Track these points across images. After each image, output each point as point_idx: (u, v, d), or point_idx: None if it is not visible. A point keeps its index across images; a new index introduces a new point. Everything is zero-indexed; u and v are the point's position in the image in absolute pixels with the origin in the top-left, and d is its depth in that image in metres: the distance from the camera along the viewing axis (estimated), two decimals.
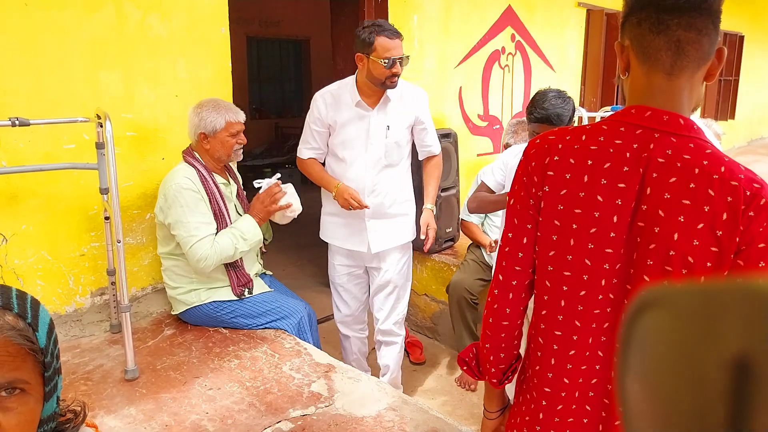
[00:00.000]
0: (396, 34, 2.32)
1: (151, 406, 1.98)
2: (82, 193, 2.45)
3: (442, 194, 3.46)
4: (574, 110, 2.33)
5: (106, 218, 2.45)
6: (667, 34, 0.88)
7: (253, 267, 2.55)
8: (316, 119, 2.48)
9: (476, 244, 3.26)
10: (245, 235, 2.37)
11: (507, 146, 3.13)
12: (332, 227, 2.62)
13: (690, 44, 0.87)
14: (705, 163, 0.87)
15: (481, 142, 4.41)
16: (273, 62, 8.96)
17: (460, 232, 3.75)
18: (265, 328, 2.48)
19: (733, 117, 8.34)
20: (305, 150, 2.58)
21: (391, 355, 2.75)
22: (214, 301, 2.43)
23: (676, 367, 0.25)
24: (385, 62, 2.28)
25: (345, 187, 2.44)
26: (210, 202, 2.33)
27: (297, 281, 3.97)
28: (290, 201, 2.50)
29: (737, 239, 0.85)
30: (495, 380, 1.16)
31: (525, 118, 2.65)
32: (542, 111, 2.23)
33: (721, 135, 2.86)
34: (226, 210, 2.39)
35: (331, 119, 2.45)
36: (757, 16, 8.71)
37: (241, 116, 2.40)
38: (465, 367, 1.22)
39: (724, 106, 8.19)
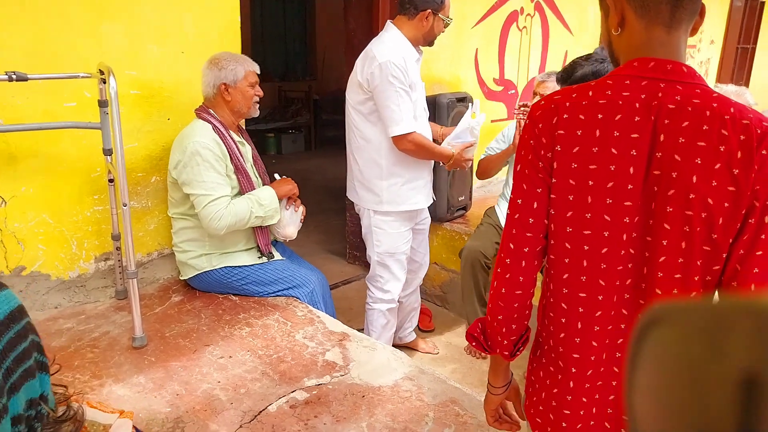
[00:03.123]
0: None
1: (161, 375, 1.92)
2: (84, 154, 2.35)
3: None
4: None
5: (110, 181, 2.35)
6: None
7: None
8: (403, 82, 2.34)
9: (492, 209, 3.19)
10: (262, 201, 2.29)
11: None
12: (412, 194, 2.56)
13: None
14: (714, 105, 0.87)
15: (496, 108, 4.28)
16: (277, 23, 8.72)
17: (472, 201, 3.66)
18: (277, 296, 2.41)
19: (747, 85, 8.14)
20: (410, 122, 2.38)
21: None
22: (225, 267, 2.35)
23: (684, 384, 0.26)
24: (448, 20, 2.46)
25: (459, 151, 2.54)
26: (231, 158, 2.24)
27: (303, 249, 3.89)
28: (289, 228, 2.46)
29: (753, 176, 0.86)
30: (507, 352, 1.13)
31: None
32: (580, 70, 2.15)
33: (754, 105, 2.75)
34: (246, 168, 2.31)
35: (407, 81, 2.37)
36: None
37: (257, 67, 2.34)
38: (474, 342, 1.19)
39: (740, 73, 7.98)
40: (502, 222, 3.05)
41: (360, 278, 3.78)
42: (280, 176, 2.48)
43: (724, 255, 0.90)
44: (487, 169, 3.02)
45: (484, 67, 4.08)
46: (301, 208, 2.54)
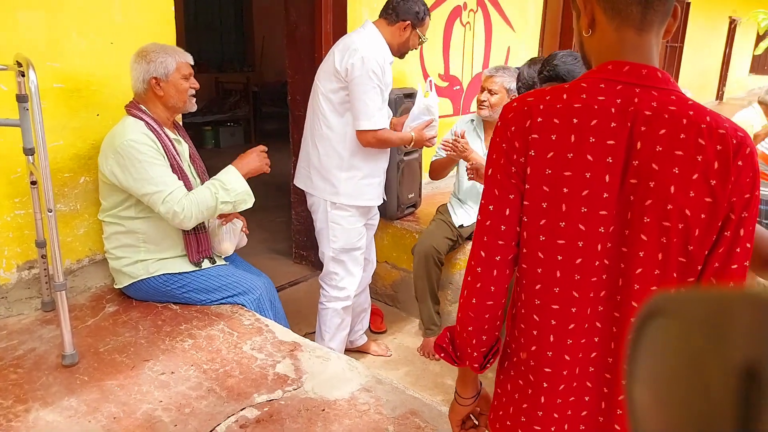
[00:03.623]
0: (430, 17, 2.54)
1: (96, 396, 1.75)
2: (2, 153, 2.13)
3: (405, 158, 3.29)
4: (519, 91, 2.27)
5: (33, 183, 2.14)
6: None
7: None
8: (380, 80, 2.32)
9: (444, 206, 3.15)
10: (227, 185, 2.12)
11: None
12: (368, 189, 2.53)
13: None
14: (691, 113, 0.85)
15: (442, 104, 4.24)
16: (212, 11, 8.39)
17: (422, 198, 3.62)
18: (221, 303, 2.27)
19: (676, 82, 8.51)
20: (381, 118, 2.36)
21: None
22: (164, 274, 2.19)
23: (684, 375, 0.25)
24: (424, 39, 2.50)
25: (418, 131, 2.52)
26: (168, 157, 2.08)
27: (246, 248, 3.70)
28: (231, 243, 2.35)
29: (729, 188, 0.85)
30: (476, 365, 1.08)
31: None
32: (552, 69, 2.13)
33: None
34: (183, 168, 2.14)
35: (383, 81, 2.35)
36: None
37: (190, 58, 2.17)
38: (442, 354, 1.13)
39: (669, 71, 8.35)
40: (455, 220, 3.03)
41: (308, 278, 3.66)
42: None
43: (699, 267, 0.89)
44: (438, 171, 2.99)
45: (430, 62, 4.03)
46: (240, 223, 2.41)
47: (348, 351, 2.94)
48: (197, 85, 2.17)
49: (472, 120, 3.04)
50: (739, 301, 0.24)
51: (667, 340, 0.27)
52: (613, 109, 0.87)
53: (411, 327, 3.35)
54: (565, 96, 0.90)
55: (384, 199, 2.76)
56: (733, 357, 0.23)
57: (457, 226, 3.02)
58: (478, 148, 2.93)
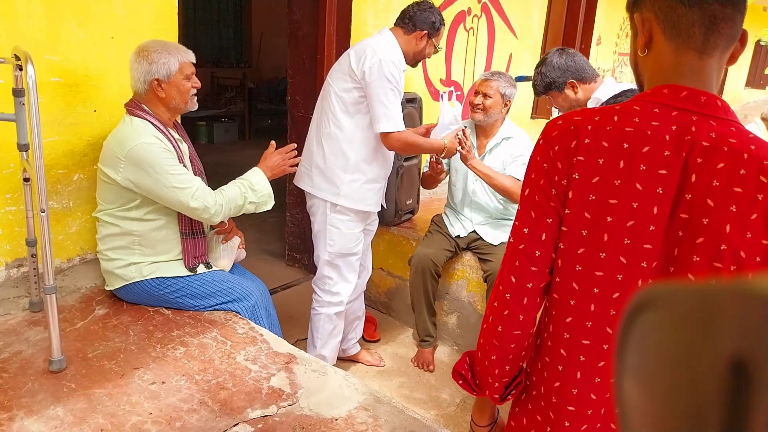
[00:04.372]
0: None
1: (83, 405, 1.69)
2: None
3: (405, 164, 3.25)
4: (546, 76, 2.23)
5: (26, 180, 2.07)
6: (702, 7, 0.79)
7: None
8: (397, 83, 2.33)
9: (439, 217, 3.11)
10: (254, 185, 2.13)
11: None
12: (370, 194, 2.51)
13: (725, 20, 0.80)
14: (752, 147, 0.80)
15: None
16: (210, 5, 8.29)
17: (419, 204, 3.57)
18: (214, 310, 2.22)
19: None
20: (401, 121, 2.35)
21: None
22: (157, 278, 2.13)
23: (674, 368, 0.25)
24: (439, 48, 2.53)
25: (451, 140, 2.54)
26: (177, 157, 2.04)
27: None
28: (222, 261, 2.31)
29: None
30: (497, 396, 1.03)
31: None
32: (540, 77, 2.23)
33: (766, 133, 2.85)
34: (186, 167, 2.09)
35: (400, 84, 2.37)
36: None
37: (192, 56, 2.12)
38: (461, 381, 1.09)
39: None
40: (452, 231, 2.98)
41: (300, 282, 3.61)
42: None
43: None
44: (428, 182, 2.95)
45: (432, 67, 3.98)
46: (237, 240, 2.37)
47: (340, 360, 2.89)
48: (199, 84, 2.12)
49: (466, 126, 2.97)
50: (728, 294, 0.23)
51: (656, 334, 0.27)
52: (667, 137, 0.82)
53: (405, 336, 3.31)
54: (616, 118, 0.85)
55: (384, 206, 2.72)
56: (721, 350, 0.22)
57: (453, 237, 2.97)
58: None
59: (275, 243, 4.16)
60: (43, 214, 1.74)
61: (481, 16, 4.28)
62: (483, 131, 2.89)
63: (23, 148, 1.93)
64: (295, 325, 3.14)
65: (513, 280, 0.94)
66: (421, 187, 3.24)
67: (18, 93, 1.88)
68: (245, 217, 2.53)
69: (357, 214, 2.52)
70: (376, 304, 3.53)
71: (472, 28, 4.22)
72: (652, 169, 0.82)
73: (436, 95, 4.07)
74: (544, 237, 0.91)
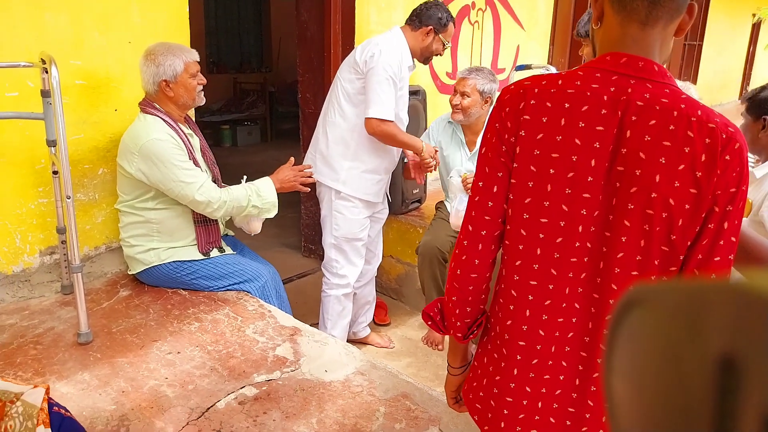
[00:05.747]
0: (454, 24, 2.64)
1: (107, 371, 1.89)
2: (27, 145, 2.27)
3: (411, 154, 3.37)
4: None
5: (55, 173, 2.29)
6: None
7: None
8: (394, 74, 2.43)
9: (442, 203, 3.22)
10: (261, 191, 2.30)
11: None
12: (369, 184, 2.63)
13: None
14: (682, 106, 0.87)
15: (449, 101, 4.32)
16: (231, 14, 8.56)
17: (426, 193, 3.70)
18: (227, 290, 2.40)
19: (695, 82, 8.45)
20: (391, 109, 2.46)
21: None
22: (174, 261, 2.32)
23: (662, 366, 0.25)
24: (447, 44, 2.60)
25: (428, 145, 2.64)
26: (185, 151, 2.21)
27: (257, 242, 3.86)
28: (254, 223, 2.47)
29: (715, 180, 0.85)
30: (460, 334, 1.13)
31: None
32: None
33: (699, 101, 2.86)
34: (197, 160, 2.27)
35: (398, 76, 2.46)
36: None
37: (196, 55, 2.28)
38: (429, 322, 1.20)
39: (687, 70, 8.28)
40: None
41: (315, 271, 3.77)
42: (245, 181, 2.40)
43: (681, 257, 0.91)
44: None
45: (437, 60, 4.09)
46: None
47: (351, 342, 3.04)
48: (204, 81, 2.28)
49: (450, 121, 2.97)
50: (717, 292, 0.24)
51: (645, 332, 0.27)
52: (605, 97, 0.89)
53: (414, 320, 3.44)
54: (560, 82, 0.93)
55: (389, 199, 2.86)
56: (710, 348, 0.23)
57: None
58: (461, 155, 2.92)
59: (292, 237, 4.34)
60: (69, 200, 1.94)
61: (485, 9, 4.39)
62: (469, 128, 2.91)
63: (51, 143, 2.14)
64: (310, 311, 3.29)
65: (470, 228, 1.04)
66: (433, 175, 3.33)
67: (45, 94, 2.09)
68: None
69: (361, 201, 2.65)
70: (387, 290, 3.67)
71: (477, 21, 4.34)
72: (590, 126, 0.91)
73: (442, 88, 4.19)
74: (495, 189, 1.00)
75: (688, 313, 0.24)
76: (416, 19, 2.56)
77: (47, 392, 0.92)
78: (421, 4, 2.59)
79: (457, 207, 2.73)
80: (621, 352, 0.29)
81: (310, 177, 2.49)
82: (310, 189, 2.54)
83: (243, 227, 2.47)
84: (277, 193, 2.39)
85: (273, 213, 2.37)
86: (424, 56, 2.62)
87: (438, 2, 2.59)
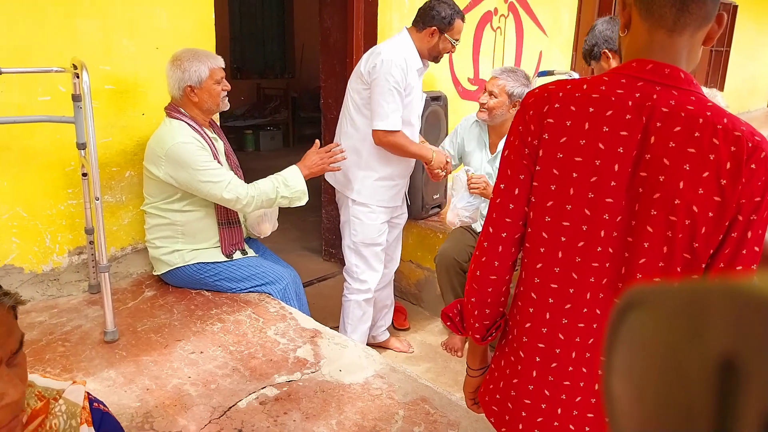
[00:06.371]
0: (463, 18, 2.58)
1: (132, 369, 1.93)
2: (58, 148, 2.34)
3: None
4: (587, 42, 2.28)
5: (84, 175, 2.35)
6: None
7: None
8: (399, 82, 2.42)
9: None
10: (288, 181, 2.32)
11: None
12: (382, 191, 2.64)
13: (694, 2, 0.88)
14: (708, 114, 0.86)
15: (470, 107, 4.33)
16: (255, 21, 8.68)
17: (447, 198, 3.70)
18: (249, 292, 2.43)
19: (722, 89, 8.33)
20: (397, 120, 2.45)
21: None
22: (198, 263, 2.36)
23: (662, 367, 0.25)
24: (455, 42, 2.54)
25: (440, 153, 2.62)
26: (210, 154, 2.26)
27: (279, 246, 3.90)
28: (269, 224, 2.50)
29: (739, 189, 0.85)
30: (478, 336, 1.14)
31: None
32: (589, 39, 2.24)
33: (725, 108, 2.82)
34: (222, 163, 2.31)
35: (403, 84, 2.44)
36: None
37: (221, 61, 2.32)
38: (448, 323, 1.20)
39: (714, 77, 8.17)
40: (473, 226, 3.08)
41: (335, 275, 3.80)
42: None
43: (704, 265, 0.90)
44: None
45: (459, 66, 4.12)
46: (277, 208, 2.56)
47: (370, 346, 3.05)
48: (228, 87, 2.32)
49: (477, 121, 2.87)
50: (717, 292, 0.23)
51: (645, 333, 0.27)
52: (630, 102, 0.89)
53: (434, 326, 3.44)
54: (585, 86, 0.93)
55: (407, 202, 2.88)
56: (710, 349, 0.22)
57: (477, 233, 3.07)
58: (481, 156, 2.87)
59: (313, 241, 4.37)
60: (98, 201, 1.99)
61: (508, 15, 4.39)
62: (494, 130, 2.80)
63: (81, 146, 2.20)
64: (330, 315, 3.31)
65: (490, 230, 1.05)
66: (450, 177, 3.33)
67: (76, 98, 2.15)
68: (287, 216, 2.75)
69: (378, 207, 2.67)
70: (407, 295, 3.68)
71: (499, 27, 4.34)
72: (614, 130, 0.91)
73: (464, 94, 4.20)
74: (517, 191, 1.01)
75: (688, 314, 0.24)
76: (420, 20, 2.51)
77: (86, 392, 0.95)
78: (425, 3, 2.53)
79: (455, 203, 2.71)
80: (621, 353, 0.28)
81: (340, 154, 2.44)
82: (341, 168, 2.50)
83: (253, 230, 2.51)
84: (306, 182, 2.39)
85: (303, 201, 2.38)
86: (433, 56, 2.58)
87: (441, 0, 2.51)
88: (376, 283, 2.79)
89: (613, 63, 2.20)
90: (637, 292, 0.28)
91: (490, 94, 2.68)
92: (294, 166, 2.39)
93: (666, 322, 0.26)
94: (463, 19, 2.55)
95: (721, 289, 0.23)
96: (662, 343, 0.25)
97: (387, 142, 2.47)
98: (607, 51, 2.18)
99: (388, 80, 2.39)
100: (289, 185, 2.32)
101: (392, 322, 3.24)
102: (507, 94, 2.64)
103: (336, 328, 3.00)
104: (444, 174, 2.69)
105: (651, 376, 0.26)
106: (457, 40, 2.55)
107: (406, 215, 2.97)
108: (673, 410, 0.24)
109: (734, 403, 0.21)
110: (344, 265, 2.82)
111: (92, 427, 0.92)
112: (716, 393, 0.22)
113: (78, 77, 2.05)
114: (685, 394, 0.23)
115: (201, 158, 2.19)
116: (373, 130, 2.47)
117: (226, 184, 2.22)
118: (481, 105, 2.73)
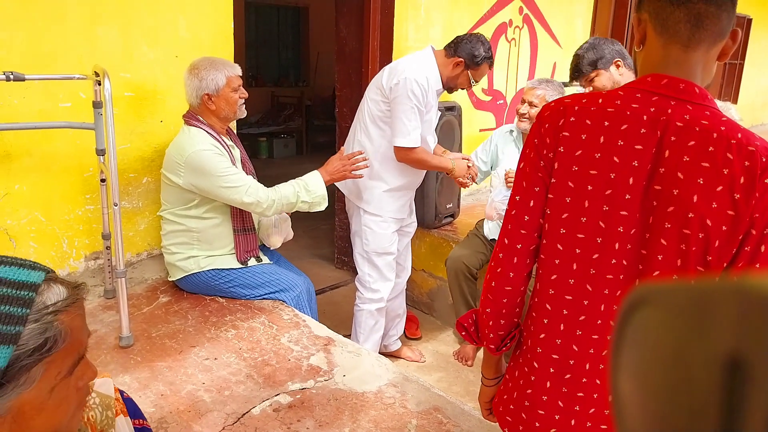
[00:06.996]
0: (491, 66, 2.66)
1: (146, 375, 1.94)
2: (77, 153, 2.37)
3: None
4: (597, 50, 2.37)
5: (102, 180, 2.38)
6: (687, 6, 0.89)
7: None
8: (420, 101, 2.45)
9: (482, 221, 3.22)
10: (309, 186, 2.33)
11: None
12: (390, 201, 2.66)
13: (709, 17, 0.89)
14: (722, 128, 0.87)
15: (485, 117, 4.34)
16: (271, 29, 8.76)
17: (460, 208, 3.71)
18: (263, 299, 2.44)
19: (735, 102, 8.27)
20: (417, 137, 2.49)
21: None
22: (213, 269, 2.38)
23: (669, 366, 0.25)
24: (474, 82, 2.61)
25: (459, 161, 2.67)
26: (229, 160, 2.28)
27: (291, 253, 3.91)
28: (279, 236, 2.52)
29: (753, 203, 0.85)
30: (493, 346, 1.14)
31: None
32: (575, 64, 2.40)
33: (739, 121, 2.83)
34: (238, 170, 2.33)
35: (423, 102, 2.48)
36: None
37: (238, 70, 2.34)
38: (463, 332, 1.21)
39: (728, 89, 8.12)
40: (487, 234, 3.09)
41: (347, 283, 3.81)
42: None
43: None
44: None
45: None
46: (288, 220, 2.58)
47: (382, 355, 3.05)
48: (246, 95, 2.34)
49: (512, 131, 3.01)
50: (723, 291, 0.23)
51: (651, 331, 0.27)
52: (645, 117, 0.91)
53: (446, 335, 3.43)
54: (600, 100, 0.95)
55: (413, 212, 2.90)
56: (717, 348, 0.22)
57: (489, 240, 3.07)
58: (514, 162, 2.97)
59: (326, 248, 4.39)
60: (116, 207, 2.01)
61: (522, 27, 4.40)
62: None
63: (101, 153, 2.23)
64: (341, 323, 3.32)
65: (506, 241, 1.06)
66: (467, 190, 3.36)
67: (97, 105, 2.18)
68: (299, 224, 2.76)
69: (388, 217, 2.69)
70: (419, 304, 3.68)
71: (513, 38, 4.35)
72: (628, 144, 0.92)
73: (478, 105, 4.21)
74: (532, 204, 1.02)
75: (694, 312, 0.24)
76: (453, 47, 2.54)
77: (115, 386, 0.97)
78: (465, 34, 2.58)
79: (493, 197, 2.77)
80: (627, 352, 0.28)
81: (363, 161, 2.44)
82: (364, 175, 2.51)
83: (263, 241, 2.52)
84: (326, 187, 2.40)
85: (323, 206, 2.39)
86: (449, 85, 2.60)
87: (483, 39, 2.56)
88: (389, 292, 2.79)
89: (624, 71, 2.23)
90: (644, 292, 0.28)
91: (530, 104, 2.77)
92: (315, 171, 2.39)
93: (672, 320, 0.26)
94: (491, 67, 2.60)
95: (726, 288, 0.23)
96: (668, 341, 0.25)
97: (408, 158, 2.52)
98: (620, 60, 2.24)
99: (411, 99, 2.41)
100: (310, 190, 2.34)
101: (404, 332, 3.23)
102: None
103: (348, 336, 3.00)
104: (469, 182, 2.71)
105: (657, 374, 0.26)
106: (476, 81, 2.60)
107: (416, 224, 2.98)
108: (679, 408, 0.24)
109: (740, 401, 0.21)
110: (356, 273, 2.83)
111: (128, 417, 0.93)
112: (722, 392, 0.22)
113: (99, 84, 2.08)
114: (691, 392, 0.23)
115: (221, 165, 2.21)
116: (394, 147, 2.50)
117: (246, 188, 2.23)
118: (521, 115, 2.81)
